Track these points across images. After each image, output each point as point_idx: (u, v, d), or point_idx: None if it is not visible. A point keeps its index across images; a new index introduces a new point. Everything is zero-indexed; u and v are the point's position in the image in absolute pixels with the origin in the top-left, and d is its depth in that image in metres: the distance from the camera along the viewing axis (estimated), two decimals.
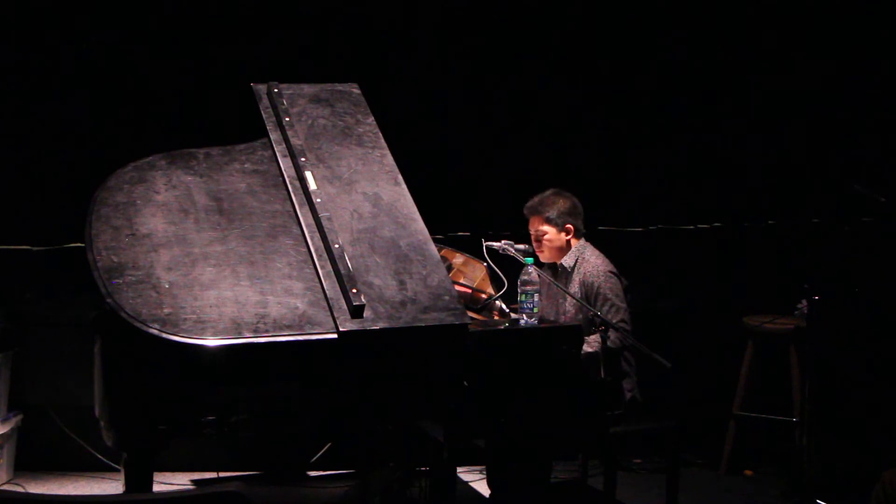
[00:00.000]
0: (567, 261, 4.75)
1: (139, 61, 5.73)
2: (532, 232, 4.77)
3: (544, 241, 4.75)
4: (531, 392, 3.87)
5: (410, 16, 5.94)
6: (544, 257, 4.77)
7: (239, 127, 4.30)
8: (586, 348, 4.32)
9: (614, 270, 4.68)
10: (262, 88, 4.39)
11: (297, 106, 4.31)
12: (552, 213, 4.74)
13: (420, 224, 3.99)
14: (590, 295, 4.60)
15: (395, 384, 3.77)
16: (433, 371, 3.78)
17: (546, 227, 4.75)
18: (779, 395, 5.43)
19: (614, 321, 4.45)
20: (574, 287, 4.64)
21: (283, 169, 4.08)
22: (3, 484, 5.25)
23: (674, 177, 6.12)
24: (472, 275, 4.31)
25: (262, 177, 4.07)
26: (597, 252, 4.75)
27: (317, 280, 3.72)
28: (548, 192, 4.80)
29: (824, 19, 6.06)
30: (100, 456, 5.34)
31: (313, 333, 3.59)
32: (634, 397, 4.58)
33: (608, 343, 4.20)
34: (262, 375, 3.65)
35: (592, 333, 4.44)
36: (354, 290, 3.67)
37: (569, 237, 4.77)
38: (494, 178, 5.85)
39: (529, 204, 4.80)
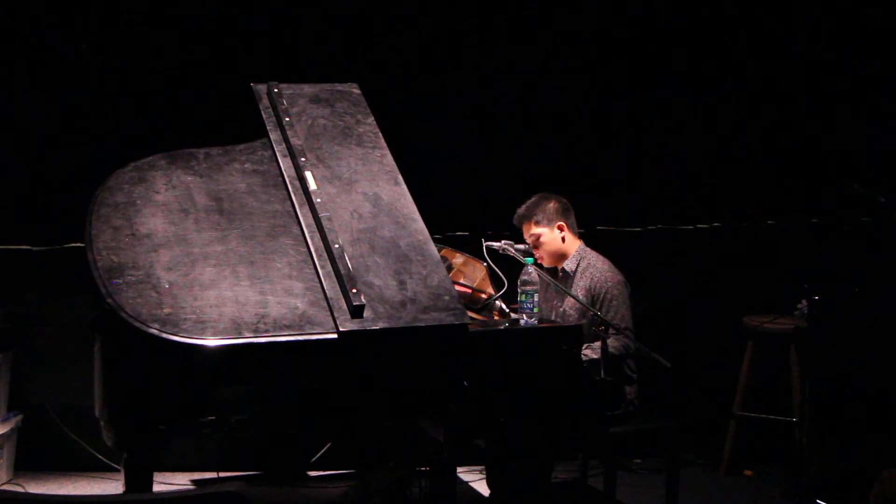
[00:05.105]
0: (569, 265, 4.73)
1: (139, 61, 5.73)
2: (528, 240, 4.74)
3: (541, 245, 4.72)
4: (531, 392, 3.87)
5: (410, 15, 5.94)
6: (546, 262, 4.75)
7: (239, 127, 4.29)
8: (590, 354, 4.31)
9: (623, 279, 4.66)
10: (262, 88, 4.39)
11: (297, 106, 4.31)
12: (539, 215, 4.73)
13: (420, 224, 3.99)
14: (596, 302, 4.58)
15: (394, 384, 3.77)
16: (433, 371, 3.78)
17: (538, 230, 4.73)
18: (779, 395, 5.43)
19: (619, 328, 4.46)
20: (578, 293, 4.63)
21: (283, 169, 4.08)
22: (3, 484, 5.25)
23: (673, 177, 6.12)
24: (472, 275, 4.31)
25: (262, 177, 4.07)
26: (601, 258, 4.73)
27: (317, 280, 3.72)
28: (532, 198, 4.79)
29: (824, 17, 6.06)
30: (100, 456, 5.34)
31: (313, 333, 3.59)
32: (633, 402, 4.57)
33: (609, 349, 4.20)
34: (262, 375, 3.65)
35: (595, 340, 4.42)
36: (354, 290, 3.67)
37: (563, 234, 4.75)
38: (494, 178, 5.84)
39: (517, 213, 4.79)
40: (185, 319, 3.53)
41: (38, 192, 5.66)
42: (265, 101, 4.33)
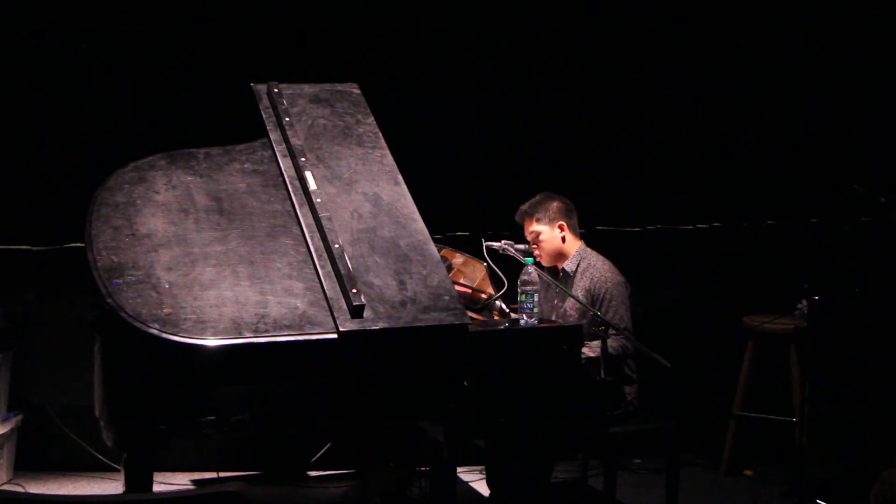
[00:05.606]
0: (569, 265, 4.74)
1: (139, 61, 5.73)
2: (527, 236, 4.76)
3: (540, 243, 4.74)
4: (531, 392, 3.87)
5: (410, 15, 5.94)
6: (544, 261, 4.76)
7: (239, 127, 4.29)
8: (588, 353, 4.31)
9: (623, 279, 4.66)
10: (262, 88, 4.39)
11: (297, 106, 4.31)
12: (541, 213, 4.74)
13: (420, 224, 4.00)
14: (595, 302, 4.58)
15: (394, 384, 3.77)
16: (433, 371, 3.78)
17: (538, 227, 4.74)
18: (779, 395, 5.43)
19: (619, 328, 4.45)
20: (578, 293, 4.62)
21: (283, 169, 4.08)
22: (3, 484, 5.25)
23: (673, 177, 6.12)
24: (472, 275, 4.31)
25: (262, 177, 4.07)
26: (601, 258, 4.73)
27: (317, 280, 3.72)
28: (537, 196, 4.81)
29: (824, 17, 6.05)
30: (100, 456, 5.34)
31: (313, 333, 3.59)
32: (633, 402, 4.57)
33: (609, 349, 4.20)
34: (262, 375, 3.65)
35: (595, 340, 4.42)
36: (354, 290, 3.67)
37: (563, 234, 4.76)
38: (494, 178, 5.84)
39: (520, 209, 4.80)
40: (185, 319, 3.53)
41: (38, 192, 5.66)
42: (265, 101, 4.33)
